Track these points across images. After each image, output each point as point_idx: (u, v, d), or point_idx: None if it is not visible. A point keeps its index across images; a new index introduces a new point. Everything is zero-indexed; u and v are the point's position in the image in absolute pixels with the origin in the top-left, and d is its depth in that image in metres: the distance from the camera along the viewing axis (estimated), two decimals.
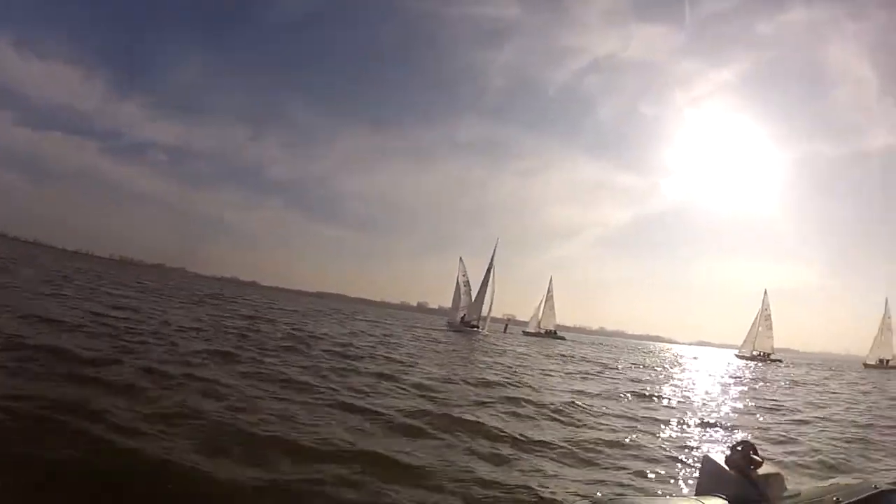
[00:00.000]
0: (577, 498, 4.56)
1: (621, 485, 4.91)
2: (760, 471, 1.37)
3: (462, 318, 42.49)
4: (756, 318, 51.87)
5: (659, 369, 21.03)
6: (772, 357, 48.57)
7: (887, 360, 48.38)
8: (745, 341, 52.02)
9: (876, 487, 1.34)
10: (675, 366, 25.72)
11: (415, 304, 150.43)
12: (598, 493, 4.56)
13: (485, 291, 42.67)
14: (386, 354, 12.71)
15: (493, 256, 43.32)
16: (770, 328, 50.80)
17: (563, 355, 23.45)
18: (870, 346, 50.44)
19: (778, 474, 1.39)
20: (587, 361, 20.91)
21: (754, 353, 49.79)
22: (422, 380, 9.23)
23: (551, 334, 48.56)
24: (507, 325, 52.30)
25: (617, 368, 18.86)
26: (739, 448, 1.42)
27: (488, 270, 43.00)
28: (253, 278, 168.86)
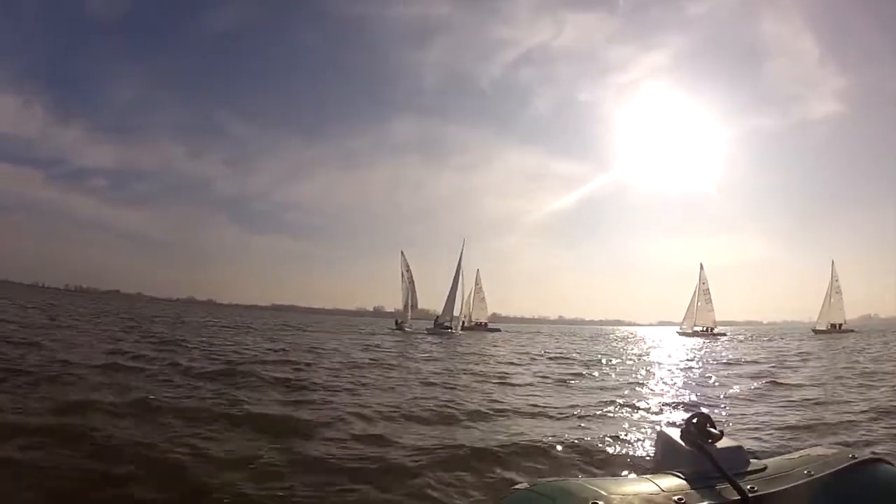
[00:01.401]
0: (528, 478, 3.65)
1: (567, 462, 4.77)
2: (719, 444, 1.30)
3: (435, 320, 42.36)
4: (694, 293, 51.95)
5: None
6: (714, 331, 48.87)
7: (839, 325, 48.61)
8: (685, 317, 52.43)
9: (853, 457, 1.27)
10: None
11: (371, 308, 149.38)
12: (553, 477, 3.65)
13: (455, 292, 43.23)
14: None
15: (460, 257, 43.92)
16: (710, 301, 50.71)
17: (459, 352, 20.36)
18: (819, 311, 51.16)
19: (738, 447, 1.32)
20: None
21: (696, 328, 49.99)
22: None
23: (483, 327, 48.32)
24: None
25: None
26: (695, 420, 1.35)
27: (457, 271, 43.66)
28: (209, 297, 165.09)
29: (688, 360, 17.91)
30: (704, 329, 49.24)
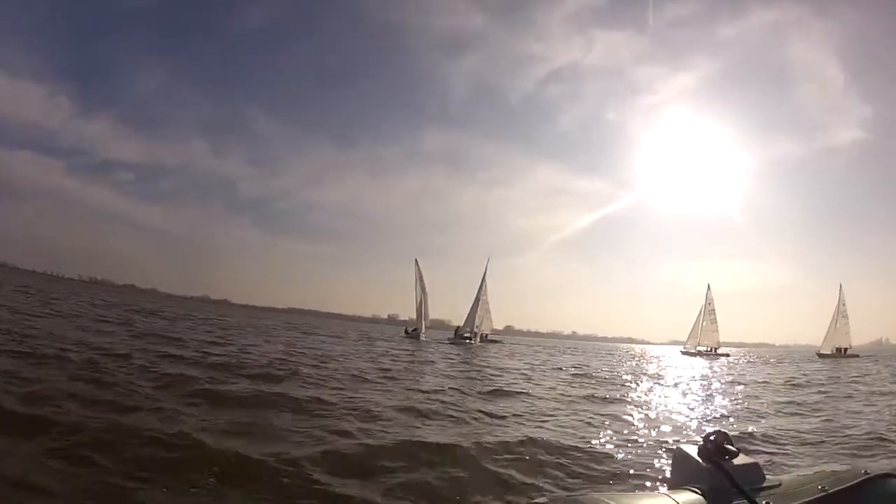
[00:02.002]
0: (545, 491, 4.50)
1: (588, 478, 4.98)
2: (735, 461, 1.34)
3: (456, 330, 44.39)
4: (700, 312, 52.30)
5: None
6: (718, 351, 49.24)
7: (845, 349, 47.71)
8: (689, 336, 52.59)
9: (866, 473, 1.28)
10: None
11: (385, 316, 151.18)
12: (565, 491, 4.57)
13: (477, 306, 44.60)
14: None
15: (485, 272, 45.97)
16: (714, 322, 51.18)
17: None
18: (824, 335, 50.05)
19: (754, 464, 1.35)
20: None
21: (700, 347, 50.29)
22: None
23: (484, 338, 46.28)
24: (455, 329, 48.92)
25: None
26: (712, 438, 1.38)
27: (481, 285, 45.39)
28: (224, 296, 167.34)
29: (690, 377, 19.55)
30: (708, 349, 49.68)
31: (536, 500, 1.15)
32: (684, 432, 7.54)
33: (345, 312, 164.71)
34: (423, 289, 45.60)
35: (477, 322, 45.56)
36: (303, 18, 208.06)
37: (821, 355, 46.81)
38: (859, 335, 51.67)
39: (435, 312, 47.93)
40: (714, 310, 51.56)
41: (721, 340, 50.85)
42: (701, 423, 8.57)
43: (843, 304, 49.67)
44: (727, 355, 47.37)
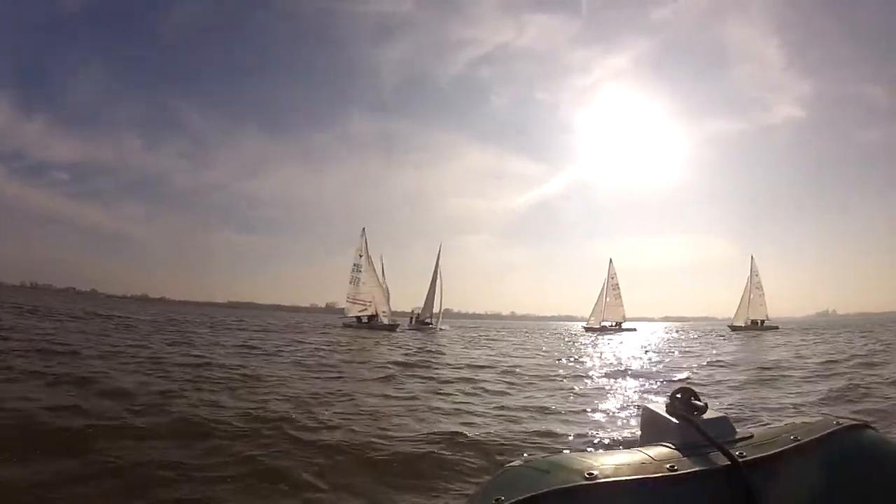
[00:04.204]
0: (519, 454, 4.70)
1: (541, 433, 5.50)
2: (705, 416, 1.34)
3: (415, 316, 44.92)
4: (602, 288, 52.58)
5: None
6: (623, 326, 50.38)
7: (761, 321, 48.80)
8: (592, 312, 53.24)
9: (838, 423, 1.27)
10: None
11: (323, 304, 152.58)
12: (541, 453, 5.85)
13: (434, 290, 44.77)
14: None
15: (438, 257, 45.91)
16: (619, 297, 51.58)
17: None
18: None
19: (724, 417, 1.35)
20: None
21: (604, 323, 50.74)
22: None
23: (421, 323, 45.74)
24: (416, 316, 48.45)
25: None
26: (679, 395, 1.38)
27: (435, 269, 45.36)
28: (162, 294, 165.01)
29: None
30: (612, 324, 50.41)
31: (513, 463, 1.20)
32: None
33: (284, 303, 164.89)
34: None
35: (435, 307, 45.31)
36: (231, 11, 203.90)
37: (733, 328, 48.35)
38: (802, 307, 54.99)
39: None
40: (618, 284, 52.27)
41: (638, 315, 51.76)
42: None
43: (756, 275, 50.83)
44: (633, 330, 49.71)
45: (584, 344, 26.22)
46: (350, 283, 41.78)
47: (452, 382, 9.33)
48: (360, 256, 42.00)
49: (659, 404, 1.45)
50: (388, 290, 44.11)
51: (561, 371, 11.76)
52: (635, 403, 7.34)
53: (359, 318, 40.43)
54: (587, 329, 50.94)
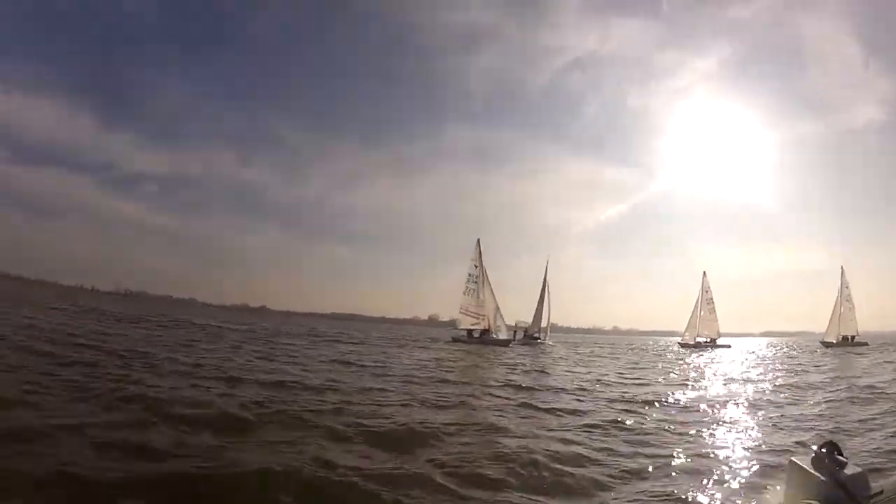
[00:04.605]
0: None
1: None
2: (846, 471, 1.35)
3: (525, 331, 44.23)
4: (696, 302, 50.88)
5: None
6: (717, 342, 48.68)
7: (852, 337, 46.13)
8: (687, 327, 51.14)
9: None
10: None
11: (426, 317, 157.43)
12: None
13: (542, 305, 44.97)
14: None
15: (546, 271, 46.12)
16: (713, 311, 49.90)
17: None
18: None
19: (863, 473, 1.37)
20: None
21: (699, 339, 49.27)
22: None
23: (532, 337, 45.41)
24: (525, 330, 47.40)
25: None
26: (825, 449, 1.40)
27: (544, 284, 45.49)
28: (262, 303, 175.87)
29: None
30: (707, 340, 49.12)
31: None
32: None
33: (386, 315, 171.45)
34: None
35: (543, 322, 44.85)
36: (314, 25, 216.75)
37: (825, 343, 45.77)
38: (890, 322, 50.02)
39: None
40: (712, 298, 50.47)
41: (737, 330, 49.97)
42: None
43: (847, 288, 48.01)
44: (727, 346, 47.47)
45: (689, 364, 25.76)
46: (465, 293, 40.36)
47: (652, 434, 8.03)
48: (476, 267, 40.73)
49: (804, 457, 1.58)
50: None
51: (707, 409, 10.44)
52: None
53: (469, 331, 39.29)
54: (682, 345, 49.53)
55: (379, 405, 9.05)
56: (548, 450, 6.55)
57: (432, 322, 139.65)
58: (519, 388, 12.92)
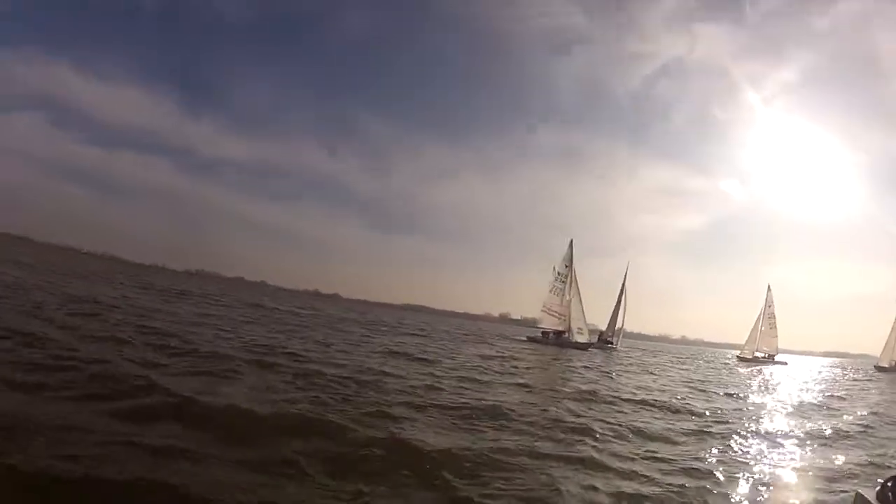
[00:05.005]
0: None
1: None
2: None
3: (599, 335, 43.96)
4: (759, 316, 50.13)
5: None
6: (775, 358, 48.64)
7: None
8: (747, 341, 50.69)
9: None
10: None
11: (496, 314, 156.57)
12: None
13: (618, 309, 45.35)
14: None
15: (625, 276, 46.44)
16: (774, 326, 49.30)
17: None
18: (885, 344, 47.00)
19: None
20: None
21: (757, 353, 48.95)
22: None
23: (606, 341, 45.29)
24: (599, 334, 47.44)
25: None
26: (890, 483, 1.43)
27: (621, 290, 45.87)
28: (335, 291, 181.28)
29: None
30: (765, 355, 48.89)
31: None
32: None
33: (457, 310, 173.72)
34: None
35: (618, 325, 45.23)
36: (407, 24, 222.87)
37: (878, 368, 45.76)
38: None
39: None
40: (774, 314, 49.99)
41: (798, 348, 49.40)
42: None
43: None
44: (784, 363, 47.46)
45: (755, 378, 26.31)
46: (550, 291, 40.62)
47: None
48: (566, 267, 40.84)
49: (870, 490, 1.63)
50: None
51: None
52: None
53: (545, 332, 39.55)
54: (740, 358, 49.75)
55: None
56: None
57: (503, 319, 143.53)
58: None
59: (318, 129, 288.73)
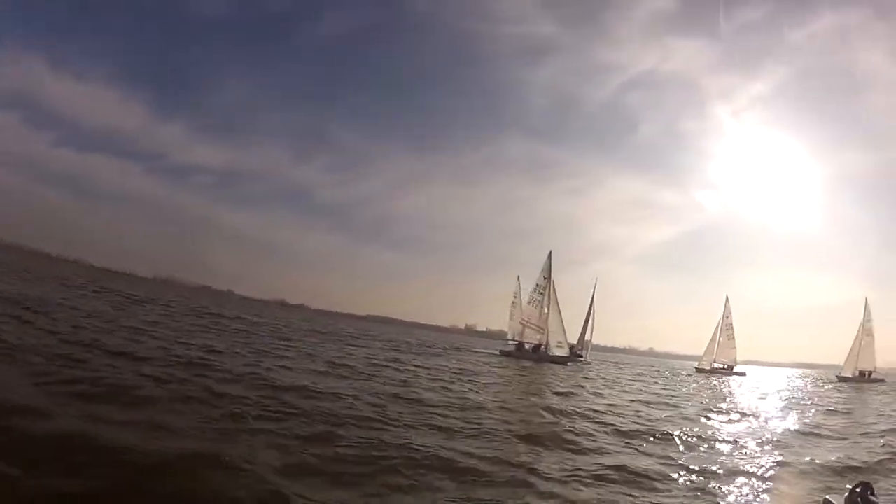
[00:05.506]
0: None
1: None
2: None
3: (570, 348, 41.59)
4: (717, 327, 50.86)
5: None
6: (734, 369, 49.02)
7: (869, 373, 46.25)
8: (705, 352, 51.45)
9: None
10: None
11: (462, 326, 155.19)
12: None
13: (587, 324, 45.35)
14: None
15: (593, 292, 46.14)
16: (732, 338, 49.85)
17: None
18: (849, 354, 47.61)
19: None
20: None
21: (715, 364, 49.43)
22: None
23: (574, 356, 43.21)
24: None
25: None
26: (858, 489, 1.45)
27: (590, 305, 45.73)
28: (301, 301, 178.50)
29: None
30: (723, 366, 49.07)
31: None
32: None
33: (423, 321, 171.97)
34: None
35: (587, 338, 45.25)
36: (379, 30, 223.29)
37: (840, 378, 45.96)
38: None
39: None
40: (731, 325, 50.42)
41: (769, 359, 49.53)
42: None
43: (869, 321, 47.57)
44: (743, 374, 48.00)
45: (723, 390, 26.07)
46: (529, 303, 39.77)
47: None
48: (545, 279, 39.70)
49: (838, 496, 1.65)
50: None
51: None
52: None
53: (520, 344, 38.80)
54: (698, 370, 49.81)
55: None
56: None
57: (469, 331, 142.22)
58: None
59: (289, 134, 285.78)
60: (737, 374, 48.47)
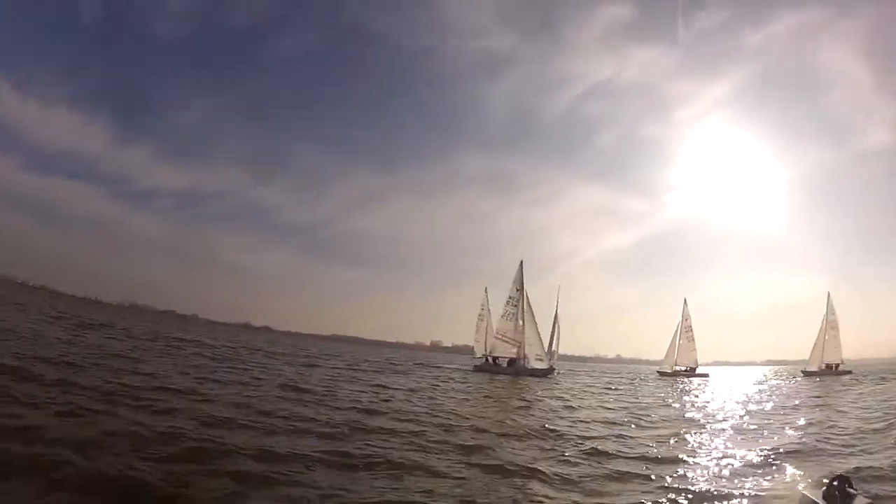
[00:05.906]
0: None
1: None
2: (855, 503, 1.31)
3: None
4: (676, 330, 50.94)
5: None
6: (696, 371, 49.25)
7: (836, 365, 46.17)
8: (665, 355, 51.67)
9: None
10: None
11: (428, 342, 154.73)
12: None
13: (553, 335, 44.42)
14: None
15: (557, 302, 45.62)
16: (692, 340, 50.03)
17: None
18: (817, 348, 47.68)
19: None
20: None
21: (677, 367, 49.69)
22: None
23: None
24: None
25: None
26: (835, 483, 1.47)
27: (555, 316, 44.86)
28: (265, 323, 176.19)
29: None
30: (686, 368, 49.43)
31: None
32: None
33: (387, 339, 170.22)
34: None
35: (553, 348, 44.56)
36: (334, 49, 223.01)
37: (806, 373, 46.59)
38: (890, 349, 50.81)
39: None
40: (691, 327, 50.50)
41: (742, 359, 49.17)
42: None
43: (833, 315, 48.01)
44: (706, 375, 48.17)
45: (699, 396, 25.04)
46: (503, 317, 38.79)
47: None
48: (517, 291, 38.64)
49: (816, 490, 1.68)
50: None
51: None
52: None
53: (495, 359, 37.66)
54: (660, 374, 50.18)
55: None
56: None
57: (435, 347, 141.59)
58: None
59: (249, 155, 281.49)
60: (699, 375, 48.92)
